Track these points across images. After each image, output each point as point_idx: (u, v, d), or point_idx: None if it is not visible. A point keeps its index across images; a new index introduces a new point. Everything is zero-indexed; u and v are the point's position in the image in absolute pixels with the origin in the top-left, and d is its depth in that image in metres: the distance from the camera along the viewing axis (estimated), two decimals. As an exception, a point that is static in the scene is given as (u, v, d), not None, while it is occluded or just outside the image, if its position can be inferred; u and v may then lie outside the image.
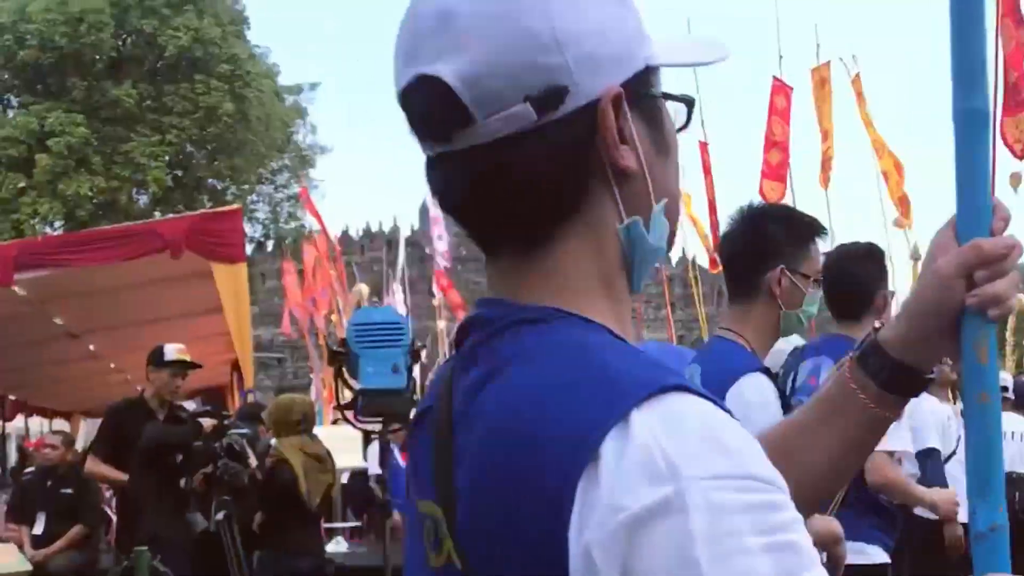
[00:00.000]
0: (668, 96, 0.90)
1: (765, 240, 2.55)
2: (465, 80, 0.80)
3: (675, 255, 26.66)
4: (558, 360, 0.78)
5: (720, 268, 2.82)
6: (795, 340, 3.71)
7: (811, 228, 2.59)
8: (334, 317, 24.95)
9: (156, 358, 6.29)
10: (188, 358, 6.39)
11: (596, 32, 0.83)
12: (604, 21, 0.84)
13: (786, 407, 3.38)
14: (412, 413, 3.93)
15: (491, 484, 0.77)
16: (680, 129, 0.91)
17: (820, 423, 1.15)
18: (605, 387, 0.74)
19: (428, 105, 0.82)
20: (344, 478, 9.24)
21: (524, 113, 0.80)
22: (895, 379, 1.10)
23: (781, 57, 13.53)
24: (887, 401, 1.11)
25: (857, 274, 3.37)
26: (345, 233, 56.13)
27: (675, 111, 0.91)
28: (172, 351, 6.30)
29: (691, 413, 0.73)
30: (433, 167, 0.87)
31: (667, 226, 0.89)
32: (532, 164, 0.82)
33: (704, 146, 14.43)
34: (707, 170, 14.27)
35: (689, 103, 0.91)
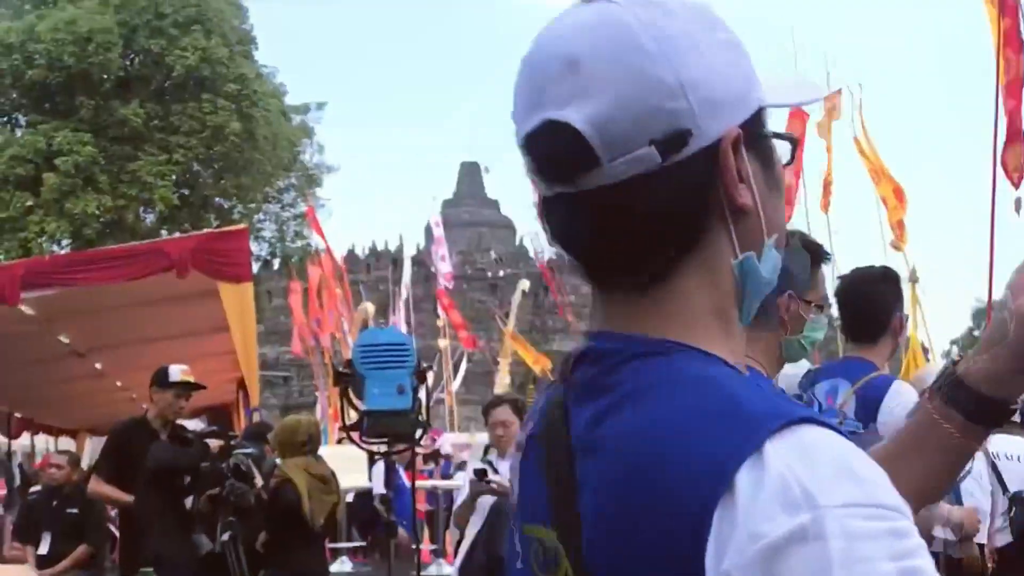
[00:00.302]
0: (776, 135, 0.94)
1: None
2: (594, 125, 0.84)
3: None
4: (685, 392, 0.82)
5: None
6: (804, 365, 3.71)
7: (815, 254, 2.59)
8: (338, 335, 24.99)
9: (160, 379, 6.31)
10: (192, 379, 6.40)
11: (716, 77, 0.87)
12: (722, 66, 0.88)
13: None
14: (417, 434, 3.92)
15: (621, 511, 0.81)
16: (785, 165, 0.95)
17: (906, 453, 1.25)
18: (736, 419, 0.78)
19: (556, 148, 0.85)
20: (349, 498, 9.23)
21: (649, 156, 0.84)
22: (982, 411, 1.20)
23: None
24: (972, 431, 1.21)
25: (874, 297, 3.38)
26: (351, 252, 56.29)
27: (780, 148, 0.95)
28: (176, 372, 6.31)
29: (822, 444, 0.77)
30: (551, 206, 0.91)
31: (779, 259, 0.93)
32: (655, 204, 0.86)
33: None
34: None
35: (793, 141, 0.95)
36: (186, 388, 6.35)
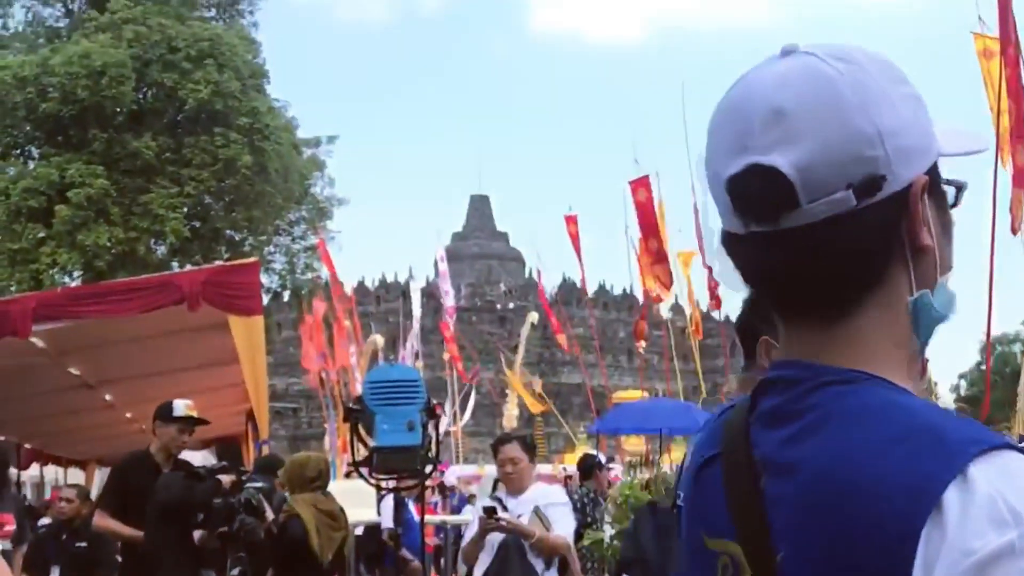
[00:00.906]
0: (948, 181, 1.01)
1: (757, 311, 2.58)
2: (799, 169, 0.91)
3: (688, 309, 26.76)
4: (883, 418, 0.89)
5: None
6: None
7: None
8: (347, 366, 24.98)
9: (164, 413, 6.32)
10: (195, 414, 6.42)
11: (906, 127, 0.95)
12: (911, 117, 0.96)
13: None
14: (427, 469, 3.91)
15: (819, 527, 0.88)
16: (951, 207, 1.02)
17: None
18: (938, 443, 0.85)
19: (761, 190, 0.93)
20: (358, 531, 9.20)
21: (846, 199, 0.92)
22: None
23: None
24: None
25: None
26: (361, 284, 56.49)
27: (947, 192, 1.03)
28: (181, 407, 6.33)
29: (1022, 468, 0.84)
30: (743, 243, 0.98)
31: (953, 297, 0.99)
32: (847, 243, 0.94)
33: (696, 209, 15.32)
34: (699, 232, 15.18)
35: (960, 187, 1.02)
36: (190, 423, 6.35)
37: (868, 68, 0.95)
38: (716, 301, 17.37)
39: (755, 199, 0.93)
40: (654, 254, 16.55)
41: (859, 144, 0.92)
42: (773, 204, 0.92)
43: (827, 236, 0.92)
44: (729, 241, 1.00)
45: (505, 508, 5.44)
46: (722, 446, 1.02)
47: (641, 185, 16.54)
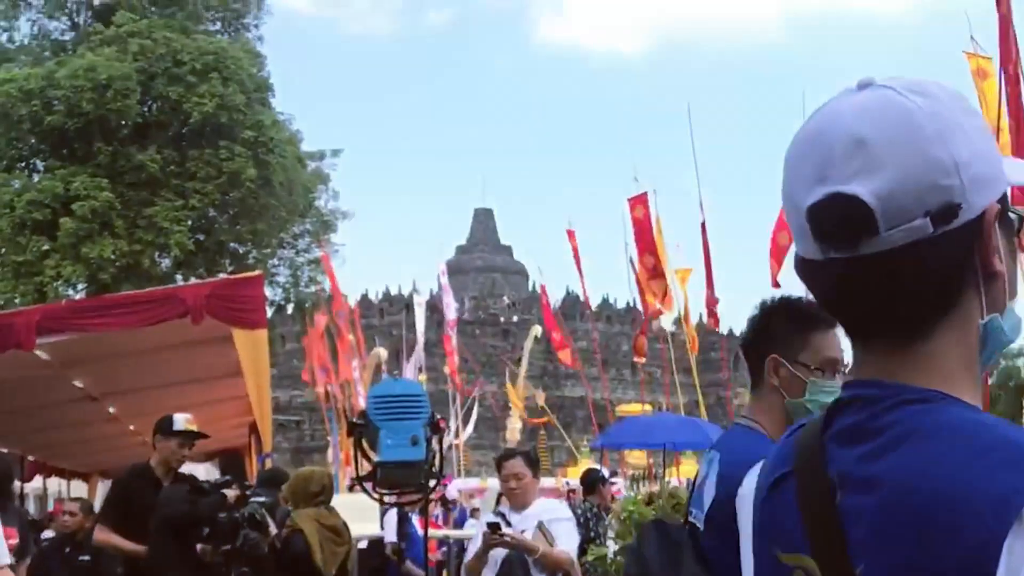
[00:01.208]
0: (1014, 211, 1.06)
1: (763, 330, 2.58)
2: (879, 198, 0.96)
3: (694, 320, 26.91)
4: (963, 434, 0.93)
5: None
6: None
7: (812, 317, 2.58)
8: (350, 380, 24.98)
9: (164, 427, 6.32)
10: (195, 428, 6.42)
11: (980, 157, 0.99)
12: (983, 148, 1.00)
13: None
14: (431, 484, 3.90)
15: (901, 539, 0.92)
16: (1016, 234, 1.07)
17: None
18: (1019, 457, 0.89)
19: (842, 218, 0.97)
20: (362, 545, 9.19)
21: (923, 226, 0.96)
22: None
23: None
24: None
25: None
26: (364, 297, 56.50)
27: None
28: (181, 421, 6.33)
29: None
30: (820, 268, 1.02)
31: (1020, 321, 1.05)
32: (924, 268, 0.98)
33: (704, 227, 16.09)
34: (706, 248, 16.00)
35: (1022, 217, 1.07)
36: (189, 437, 6.36)
37: (943, 101, 0.99)
38: (714, 319, 17.72)
39: (836, 227, 0.97)
40: (650, 270, 16.87)
41: (936, 173, 0.96)
42: (854, 231, 0.96)
43: (904, 262, 0.97)
44: (805, 266, 1.05)
45: (509, 523, 5.43)
46: (795, 463, 1.06)
47: (639, 202, 16.96)
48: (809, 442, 1.05)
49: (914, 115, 0.97)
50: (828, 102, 1.03)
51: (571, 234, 21.15)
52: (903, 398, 0.98)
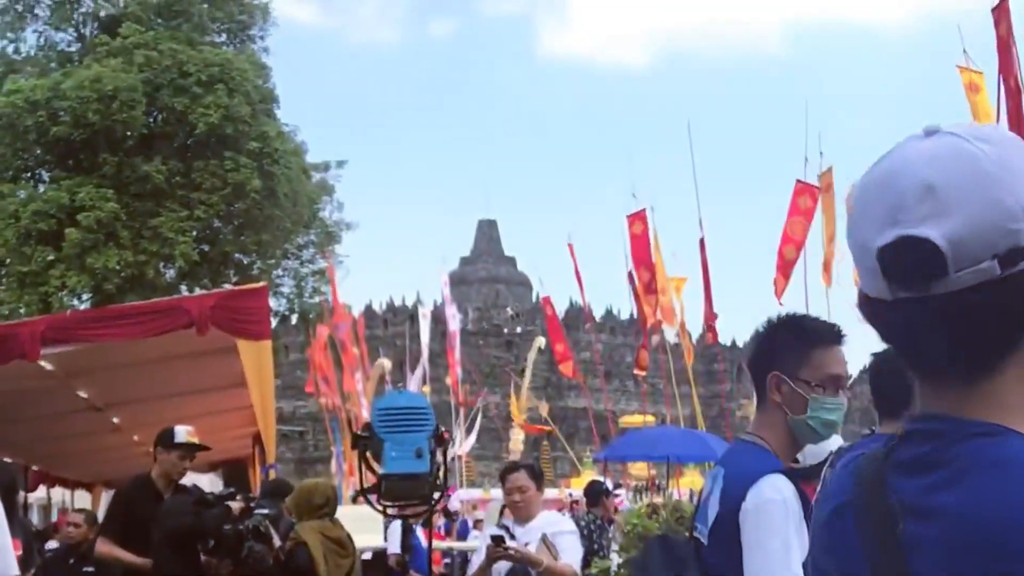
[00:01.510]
0: None
1: (766, 346, 2.59)
2: (949, 241, 1.00)
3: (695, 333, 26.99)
4: None
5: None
6: (837, 440, 3.69)
7: (814, 334, 2.57)
8: (354, 392, 24.99)
9: (165, 439, 6.33)
10: (196, 440, 6.43)
11: None
12: None
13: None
14: (435, 496, 3.90)
15: (966, 568, 0.95)
16: None
17: None
18: None
19: (913, 260, 1.01)
20: (367, 556, 9.18)
21: (991, 268, 1.00)
22: None
23: (807, 160, 14.37)
24: None
25: (903, 374, 3.36)
26: (368, 307, 56.50)
27: None
28: (182, 433, 6.34)
29: None
30: (887, 308, 1.07)
31: None
32: (991, 309, 1.02)
33: (703, 243, 16.50)
34: (704, 264, 16.40)
35: None
36: (190, 449, 6.37)
37: (1007, 147, 1.04)
38: (713, 334, 18.08)
39: (907, 268, 1.02)
40: (644, 285, 17.25)
41: (1004, 218, 1.00)
42: (924, 273, 1.01)
43: (972, 302, 1.01)
44: (870, 305, 1.09)
45: (513, 536, 5.43)
46: (855, 492, 1.09)
47: (637, 219, 17.46)
48: (870, 472, 1.09)
49: (981, 161, 1.01)
50: (896, 148, 1.08)
51: (571, 248, 21.67)
52: (968, 432, 1.02)
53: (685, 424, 23.48)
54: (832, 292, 13.95)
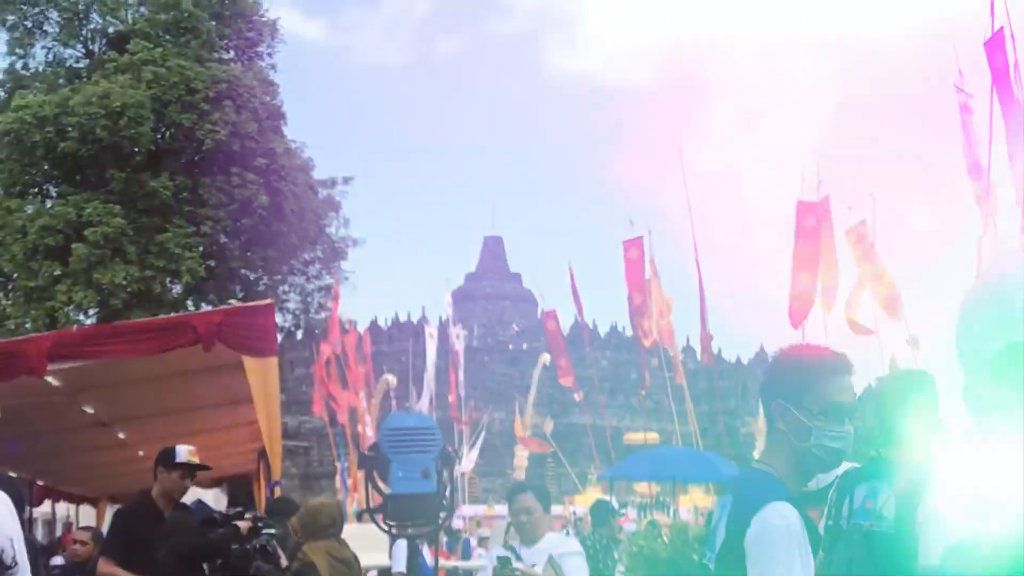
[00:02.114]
0: None
1: (774, 375, 2.62)
2: None
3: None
4: None
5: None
6: (845, 464, 3.71)
7: (818, 363, 2.59)
8: (359, 408, 25.01)
9: (167, 459, 6.32)
10: (197, 460, 6.42)
11: None
12: None
13: (839, 531, 3.41)
14: (441, 516, 3.90)
15: None
16: None
17: None
18: None
19: None
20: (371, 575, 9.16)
21: None
22: None
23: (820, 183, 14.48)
24: None
25: (908, 400, 3.39)
26: (374, 323, 56.53)
27: None
28: (183, 452, 6.34)
29: None
30: None
31: None
32: None
33: (697, 263, 17.04)
34: (700, 289, 16.98)
35: None
36: (192, 469, 6.36)
37: None
38: (708, 354, 18.64)
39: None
40: (635, 308, 17.84)
41: None
42: None
43: None
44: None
45: (519, 558, 5.42)
46: None
47: (633, 245, 18.04)
48: None
49: None
50: (996, 263, 1.21)
51: (571, 272, 22.50)
52: None
53: (693, 441, 23.56)
54: (830, 318, 13.92)
